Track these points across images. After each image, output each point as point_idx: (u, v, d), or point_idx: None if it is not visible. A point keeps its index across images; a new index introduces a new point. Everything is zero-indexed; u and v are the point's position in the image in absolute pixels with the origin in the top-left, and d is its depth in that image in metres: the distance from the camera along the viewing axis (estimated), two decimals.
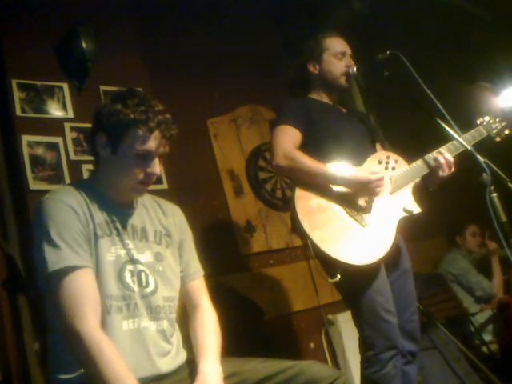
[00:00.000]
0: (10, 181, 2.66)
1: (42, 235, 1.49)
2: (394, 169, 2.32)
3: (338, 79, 2.41)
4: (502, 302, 3.74)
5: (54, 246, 1.47)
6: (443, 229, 4.33)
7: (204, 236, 3.21)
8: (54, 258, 1.45)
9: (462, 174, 2.35)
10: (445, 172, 2.26)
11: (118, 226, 1.62)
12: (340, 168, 2.21)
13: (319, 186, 2.19)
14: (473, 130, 2.40)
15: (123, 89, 1.69)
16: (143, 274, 1.61)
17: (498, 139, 2.46)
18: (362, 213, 2.19)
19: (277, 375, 1.56)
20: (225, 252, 3.34)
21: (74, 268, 1.46)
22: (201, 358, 1.59)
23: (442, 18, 4.50)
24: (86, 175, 2.74)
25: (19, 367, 2.40)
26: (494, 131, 2.44)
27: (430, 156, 2.32)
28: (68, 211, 1.52)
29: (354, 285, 2.15)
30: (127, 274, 1.58)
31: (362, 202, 2.20)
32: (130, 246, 1.62)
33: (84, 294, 1.45)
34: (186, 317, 1.78)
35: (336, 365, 3.32)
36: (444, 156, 2.25)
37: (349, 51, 2.45)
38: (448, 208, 4.44)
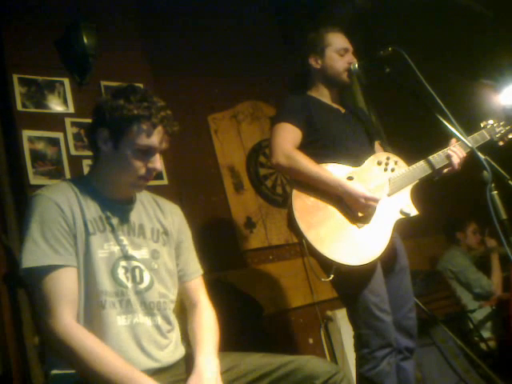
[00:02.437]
0: (10, 176, 2.66)
1: (26, 231, 1.50)
2: (393, 170, 2.32)
3: (339, 75, 2.40)
4: (501, 299, 3.75)
5: (34, 243, 1.47)
6: (443, 226, 4.33)
7: (204, 232, 3.21)
8: (31, 256, 1.46)
9: (462, 172, 2.35)
10: (456, 168, 2.29)
11: (113, 222, 1.62)
12: (338, 174, 2.20)
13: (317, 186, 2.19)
14: (476, 134, 2.40)
15: (123, 84, 1.69)
16: (137, 270, 1.61)
17: (500, 143, 2.44)
18: (358, 219, 2.18)
19: (275, 370, 1.56)
20: (225, 248, 3.34)
21: (51, 267, 1.47)
22: (198, 352, 1.60)
23: (444, 15, 4.49)
24: (86, 170, 2.74)
25: (19, 361, 2.41)
26: (498, 135, 2.44)
27: (434, 156, 2.32)
28: (53, 209, 1.52)
29: (349, 284, 2.16)
30: (120, 271, 1.58)
31: (360, 213, 2.18)
32: (125, 242, 1.62)
33: (59, 293, 1.45)
34: (184, 314, 1.78)
35: (334, 360, 3.33)
36: (457, 153, 2.29)
37: (351, 48, 2.44)
38: (448, 206, 4.46)
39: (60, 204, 1.54)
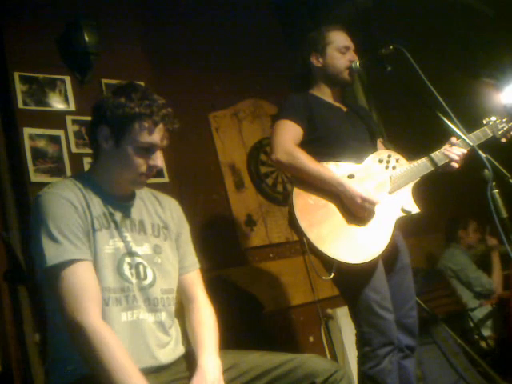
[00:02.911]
0: (11, 173, 2.67)
1: (41, 229, 1.49)
2: (394, 168, 2.32)
3: (341, 73, 2.40)
4: (501, 297, 3.75)
5: (53, 239, 1.47)
6: (444, 225, 4.33)
7: (204, 230, 3.21)
8: (53, 252, 1.46)
9: (463, 170, 2.35)
10: (459, 164, 2.29)
11: (117, 218, 1.63)
12: (339, 172, 2.20)
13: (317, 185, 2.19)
14: (478, 131, 2.40)
15: (123, 82, 1.70)
16: (141, 267, 1.62)
17: (503, 140, 2.43)
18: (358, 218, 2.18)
19: (276, 368, 1.57)
20: (225, 246, 3.34)
21: (73, 261, 1.47)
22: (200, 352, 1.60)
23: (445, 14, 4.48)
24: (87, 168, 2.74)
25: (19, 358, 2.42)
26: (500, 132, 2.43)
27: (436, 154, 2.32)
28: (66, 205, 1.53)
29: (351, 282, 2.16)
30: (126, 267, 1.59)
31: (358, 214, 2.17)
32: (129, 238, 1.63)
33: (84, 287, 1.46)
34: (183, 310, 1.78)
35: (335, 358, 3.33)
36: (455, 153, 2.29)
37: (352, 46, 2.44)
38: (449, 204, 4.46)
39: (72, 200, 1.55)
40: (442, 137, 2.36)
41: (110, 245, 1.58)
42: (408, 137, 3.89)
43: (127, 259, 1.60)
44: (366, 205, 2.12)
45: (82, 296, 1.44)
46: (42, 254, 1.46)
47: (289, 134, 2.26)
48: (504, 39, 4.54)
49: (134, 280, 1.59)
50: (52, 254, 1.46)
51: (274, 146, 2.24)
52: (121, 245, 1.60)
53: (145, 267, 1.63)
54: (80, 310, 1.43)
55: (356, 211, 2.15)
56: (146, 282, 1.62)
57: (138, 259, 1.63)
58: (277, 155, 2.22)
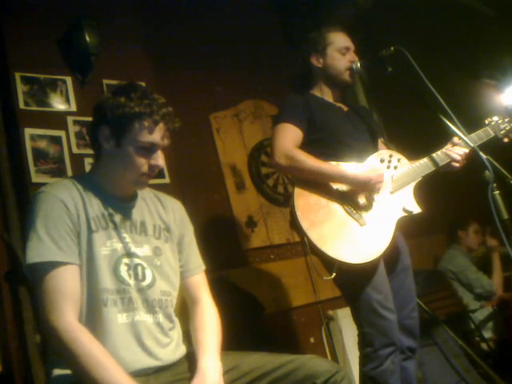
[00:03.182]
0: (12, 174, 2.66)
1: (30, 227, 1.50)
2: (396, 168, 2.32)
3: (341, 74, 2.40)
4: (502, 299, 3.75)
5: (38, 239, 1.47)
6: (445, 226, 4.33)
7: (205, 231, 3.21)
8: (35, 251, 1.46)
9: (464, 172, 2.35)
10: (461, 164, 2.31)
11: (116, 219, 1.63)
12: (340, 166, 2.21)
13: (319, 183, 2.19)
14: (480, 131, 2.40)
15: (123, 82, 1.70)
16: (140, 268, 1.61)
17: (505, 140, 2.43)
18: (361, 211, 2.19)
19: (277, 369, 1.56)
20: (226, 247, 3.34)
21: (55, 264, 1.47)
22: (201, 354, 1.60)
23: (446, 14, 4.48)
24: (88, 169, 2.75)
25: (20, 359, 2.41)
26: (502, 132, 2.42)
27: (438, 154, 2.32)
28: (59, 206, 1.52)
29: (352, 282, 2.16)
30: (123, 268, 1.58)
31: (361, 199, 2.21)
32: (128, 239, 1.62)
33: (63, 290, 1.45)
34: (187, 312, 1.78)
35: (335, 359, 3.33)
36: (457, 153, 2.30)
37: (352, 47, 2.44)
38: (450, 205, 4.45)
39: (65, 201, 1.54)
40: (443, 137, 2.35)
41: (107, 246, 1.57)
42: (409, 137, 3.88)
43: (125, 260, 1.59)
44: (378, 183, 2.18)
45: (58, 299, 1.43)
46: (27, 252, 1.47)
47: (288, 138, 2.26)
48: (505, 40, 4.54)
49: (131, 281, 1.58)
50: (34, 252, 1.46)
51: (274, 151, 2.25)
52: (119, 246, 1.60)
53: (143, 268, 1.62)
54: (54, 313, 1.42)
55: (371, 191, 2.20)
56: (145, 283, 1.61)
57: (137, 260, 1.62)
58: (277, 160, 2.23)
